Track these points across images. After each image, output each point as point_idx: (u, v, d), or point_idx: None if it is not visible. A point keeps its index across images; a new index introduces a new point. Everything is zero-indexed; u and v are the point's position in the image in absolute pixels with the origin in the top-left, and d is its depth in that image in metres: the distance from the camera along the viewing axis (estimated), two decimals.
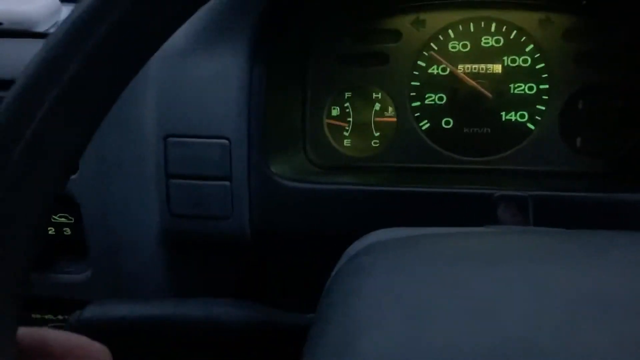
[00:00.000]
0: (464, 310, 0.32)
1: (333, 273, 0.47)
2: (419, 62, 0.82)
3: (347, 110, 0.86)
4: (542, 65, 0.79)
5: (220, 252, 0.75)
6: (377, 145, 0.85)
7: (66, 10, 0.87)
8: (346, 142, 0.86)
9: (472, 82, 0.80)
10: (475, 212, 0.62)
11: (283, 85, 0.78)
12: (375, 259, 0.43)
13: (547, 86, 0.80)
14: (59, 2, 0.86)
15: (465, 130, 0.82)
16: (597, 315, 0.30)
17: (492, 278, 0.35)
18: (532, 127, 0.81)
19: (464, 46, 0.81)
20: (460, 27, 0.81)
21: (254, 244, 0.71)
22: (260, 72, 0.69)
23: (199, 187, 0.68)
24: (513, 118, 0.81)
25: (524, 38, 0.80)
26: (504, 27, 0.80)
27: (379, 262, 0.42)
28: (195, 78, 0.68)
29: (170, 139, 0.68)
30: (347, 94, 0.85)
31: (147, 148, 0.69)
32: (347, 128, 0.86)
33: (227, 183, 0.68)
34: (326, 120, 0.86)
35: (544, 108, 0.80)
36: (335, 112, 0.86)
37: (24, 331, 0.30)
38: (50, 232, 0.73)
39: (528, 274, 0.35)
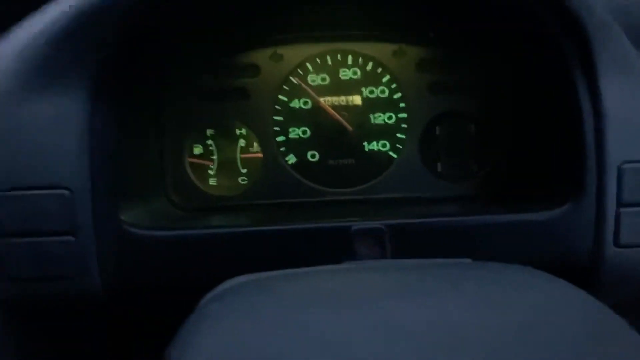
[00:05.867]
0: (312, 355, 0.30)
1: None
2: (280, 97, 0.81)
3: (211, 148, 0.82)
4: (399, 95, 0.82)
5: (73, 316, 0.67)
6: (245, 182, 0.82)
7: None
8: (212, 181, 0.82)
9: (334, 114, 0.81)
10: (341, 246, 0.61)
11: (135, 125, 0.72)
12: (223, 305, 0.40)
13: (405, 115, 0.82)
14: None
15: (331, 162, 0.82)
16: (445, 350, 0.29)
17: (330, 320, 0.33)
18: (394, 155, 0.82)
19: (323, 79, 0.81)
20: (318, 60, 0.81)
21: (109, 302, 0.64)
22: (105, 113, 0.63)
23: (39, 245, 0.60)
24: (375, 148, 0.82)
25: (380, 69, 0.81)
26: (360, 59, 0.81)
27: (225, 309, 0.39)
28: (28, 123, 0.60)
29: (1, 193, 0.60)
30: (210, 132, 0.82)
31: None
32: (212, 166, 0.82)
33: (70, 238, 0.61)
34: (188, 160, 0.81)
35: (404, 136, 0.82)
36: (197, 150, 0.82)
37: None
38: None
39: (371, 313, 0.34)
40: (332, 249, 0.61)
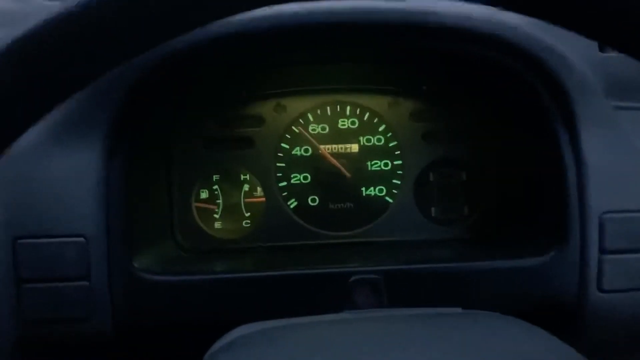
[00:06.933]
0: None
1: None
2: (283, 145, 0.86)
3: (217, 192, 0.86)
4: (395, 143, 0.86)
5: (86, 353, 0.70)
6: (248, 225, 0.87)
7: None
8: (217, 225, 0.86)
9: (333, 161, 0.85)
10: (340, 293, 0.65)
11: (147, 174, 0.77)
12: (233, 357, 0.44)
13: (400, 162, 0.86)
14: None
15: (331, 206, 0.87)
16: None
17: None
18: (390, 200, 0.87)
19: (323, 128, 0.86)
20: (319, 111, 0.86)
21: (119, 342, 0.67)
22: (119, 165, 0.68)
23: (55, 289, 0.64)
24: (372, 193, 0.87)
25: (376, 119, 0.87)
26: (358, 110, 0.87)
27: None
28: (48, 174, 0.65)
29: (20, 241, 0.64)
30: (216, 177, 0.86)
31: None
32: (217, 210, 0.86)
33: (85, 283, 0.65)
34: (195, 204, 0.86)
35: (399, 182, 0.87)
36: (204, 195, 0.86)
37: None
38: None
39: None
40: (332, 295, 0.65)
